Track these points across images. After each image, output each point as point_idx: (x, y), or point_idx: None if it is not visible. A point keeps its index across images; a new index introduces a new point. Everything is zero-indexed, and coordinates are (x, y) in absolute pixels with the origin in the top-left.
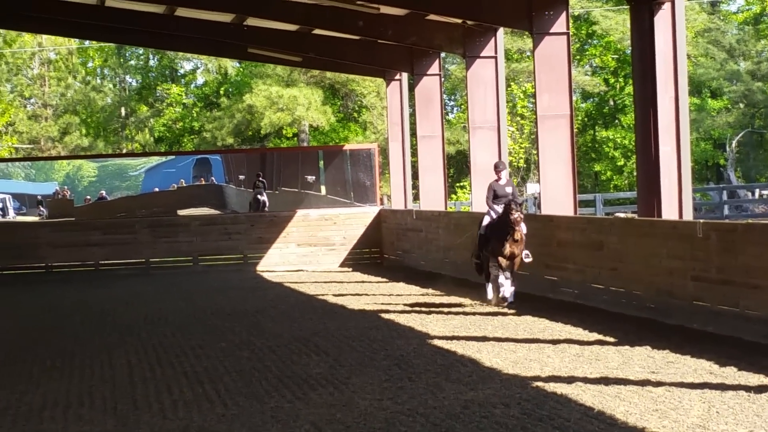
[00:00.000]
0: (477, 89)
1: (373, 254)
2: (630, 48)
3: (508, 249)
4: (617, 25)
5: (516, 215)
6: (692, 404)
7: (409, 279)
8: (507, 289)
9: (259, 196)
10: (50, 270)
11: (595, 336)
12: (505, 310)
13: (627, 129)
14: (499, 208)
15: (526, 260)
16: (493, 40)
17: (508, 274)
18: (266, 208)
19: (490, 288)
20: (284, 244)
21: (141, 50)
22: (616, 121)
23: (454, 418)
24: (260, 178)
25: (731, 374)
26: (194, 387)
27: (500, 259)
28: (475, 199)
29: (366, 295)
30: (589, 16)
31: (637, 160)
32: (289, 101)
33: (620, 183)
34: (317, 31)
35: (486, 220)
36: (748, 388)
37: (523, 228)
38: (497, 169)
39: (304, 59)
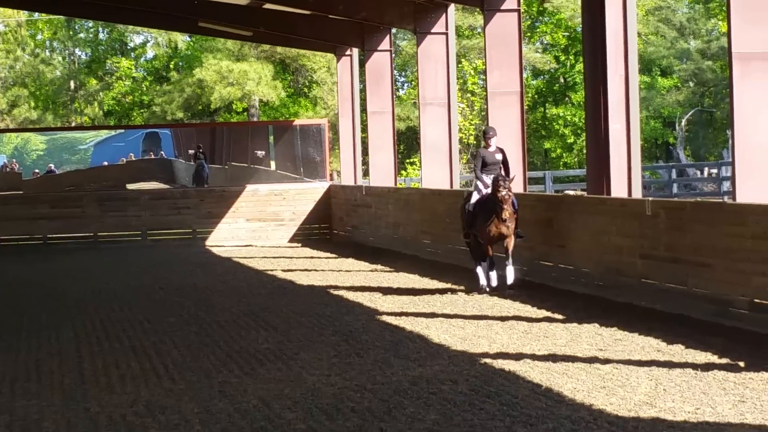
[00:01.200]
0: (427, 65)
1: (322, 230)
2: (581, 26)
3: (494, 229)
4: (568, 2)
5: (504, 192)
6: (639, 382)
7: (358, 255)
8: (509, 273)
9: (200, 170)
10: None
11: (543, 313)
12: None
13: (577, 107)
14: (489, 180)
15: (519, 238)
16: (444, 16)
17: (508, 262)
18: (207, 182)
19: (480, 272)
20: (233, 219)
21: (90, 23)
22: (567, 98)
23: (402, 394)
24: (200, 151)
25: (679, 352)
26: (142, 361)
27: (487, 245)
28: (425, 175)
29: (315, 270)
30: None
31: (586, 138)
32: (240, 76)
33: (570, 161)
34: (268, 6)
35: (474, 196)
36: (695, 366)
37: (514, 204)
38: (486, 135)
39: (255, 34)
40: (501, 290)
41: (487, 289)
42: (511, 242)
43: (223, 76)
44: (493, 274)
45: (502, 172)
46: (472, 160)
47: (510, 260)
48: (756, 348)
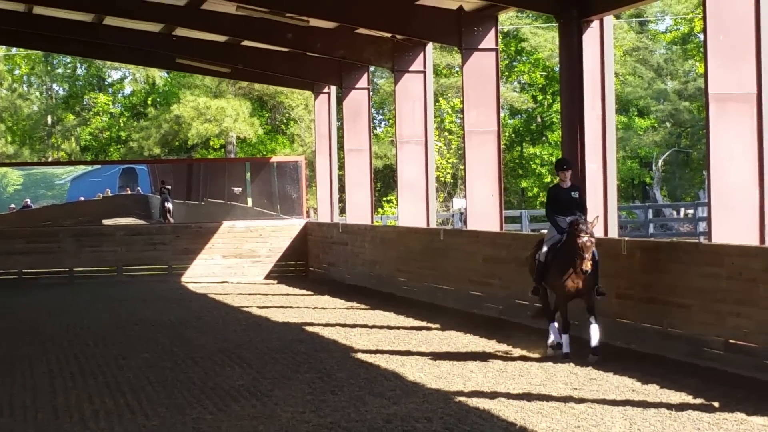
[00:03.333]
0: (405, 103)
1: (298, 267)
2: (558, 65)
3: (571, 284)
4: (546, 42)
5: (585, 238)
6: (614, 421)
7: (334, 292)
8: (593, 334)
9: (165, 203)
10: None
11: (518, 352)
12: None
13: (554, 146)
14: (564, 222)
15: (599, 296)
16: (422, 54)
17: (592, 319)
18: (171, 215)
19: (553, 329)
20: (209, 255)
21: (68, 58)
22: (544, 137)
23: (376, 431)
24: (165, 185)
25: (653, 392)
26: (116, 397)
27: (562, 302)
28: (402, 213)
29: (290, 307)
30: (518, 33)
31: None
32: (217, 112)
33: None
34: (246, 43)
35: (548, 242)
36: (669, 406)
37: (594, 254)
38: (561, 167)
39: (233, 70)
40: (567, 354)
41: (561, 351)
42: (591, 299)
43: (200, 112)
44: (566, 339)
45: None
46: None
47: (594, 317)
48: (730, 388)
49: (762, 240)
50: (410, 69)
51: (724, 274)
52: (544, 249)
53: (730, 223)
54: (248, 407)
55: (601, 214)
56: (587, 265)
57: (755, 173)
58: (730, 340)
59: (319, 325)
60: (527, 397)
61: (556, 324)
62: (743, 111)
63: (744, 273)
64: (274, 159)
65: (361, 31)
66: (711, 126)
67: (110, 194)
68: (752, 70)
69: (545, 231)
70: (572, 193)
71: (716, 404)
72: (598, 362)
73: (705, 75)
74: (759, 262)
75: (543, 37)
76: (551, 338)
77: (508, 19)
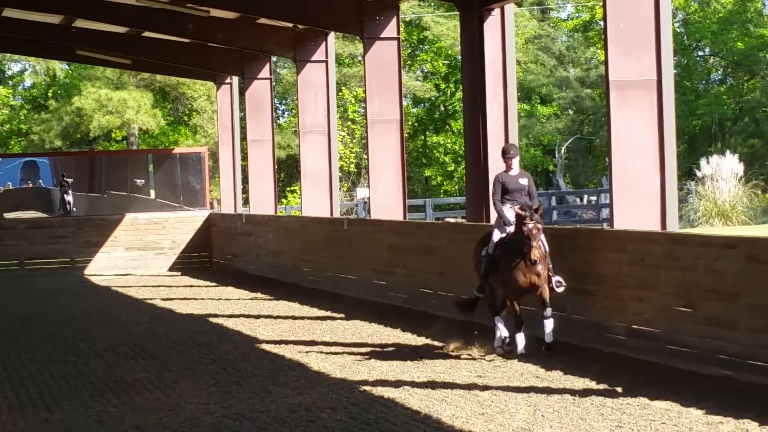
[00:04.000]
0: (308, 93)
1: (202, 258)
2: (460, 54)
3: (522, 277)
4: (448, 30)
5: (530, 225)
6: (518, 408)
7: (238, 283)
8: (547, 327)
9: (65, 196)
10: None
11: (423, 340)
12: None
13: (457, 134)
14: (511, 214)
15: (558, 289)
16: (324, 44)
17: (546, 312)
18: (71, 208)
19: (500, 325)
20: (112, 248)
21: None
22: (447, 126)
23: (280, 422)
24: (64, 179)
25: (557, 378)
26: (18, 391)
27: (513, 298)
28: (306, 203)
29: (194, 299)
30: (420, 22)
31: (466, 166)
32: (119, 104)
33: (450, 188)
34: (147, 34)
35: (496, 235)
36: (573, 392)
37: (543, 244)
38: (506, 155)
39: (134, 62)
40: (523, 353)
41: (511, 347)
42: (545, 291)
43: (102, 104)
44: (521, 338)
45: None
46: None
47: (548, 310)
48: (633, 373)
49: (663, 226)
50: (312, 59)
51: (626, 260)
52: (494, 240)
53: (632, 210)
54: (152, 399)
55: None
56: (535, 254)
57: (656, 159)
58: (633, 326)
59: (223, 316)
60: (432, 385)
61: (500, 320)
62: (643, 98)
63: (646, 259)
64: (177, 150)
65: (263, 21)
66: (612, 113)
67: (11, 187)
68: (652, 57)
69: (449, 219)
70: (520, 180)
71: (619, 389)
72: (549, 356)
73: (606, 62)
74: (660, 248)
75: (445, 26)
76: (499, 333)
77: (410, 8)
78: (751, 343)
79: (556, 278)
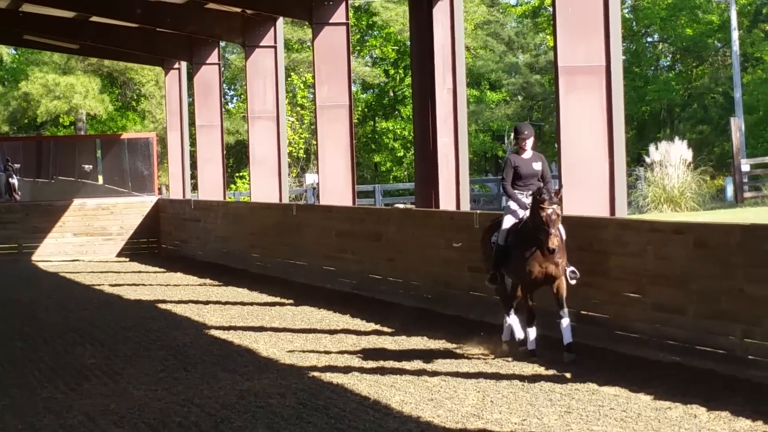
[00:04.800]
0: (256, 79)
1: (150, 244)
2: (409, 39)
3: (537, 267)
4: (398, 16)
5: (549, 210)
6: (467, 394)
7: (186, 269)
8: (565, 330)
9: (10, 180)
10: None
11: (372, 326)
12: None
13: (407, 120)
14: (526, 199)
15: (572, 281)
16: (272, 29)
17: (562, 313)
18: (17, 193)
19: (514, 322)
20: (60, 233)
21: None
22: (396, 112)
23: (229, 408)
24: (9, 163)
25: (506, 364)
26: None
27: (526, 291)
28: (255, 189)
29: (143, 285)
30: (369, 7)
31: (415, 152)
32: (66, 89)
33: (400, 174)
34: (95, 19)
35: (507, 221)
36: (522, 378)
37: (560, 231)
38: (520, 134)
39: (82, 47)
40: (533, 352)
41: (527, 347)
42: (562, 285)
43: (49, 89)
44: (532, 333)
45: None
46: (505, 170)
47: (565, 310)
48: (582, 359)
49: (612, 211)
50: (261, 44)
51: (576, 245)
52: (505, 227)
53: (581, 196)
54: (100, 386)
55: (453, 188)
56: (554, 242)
57: (605, 145)
58: (582, 312)
59: (171, 302)
60: (381, 371)
61: (514, 316)
62: (592, 83)
63: (595, 244)
64: (125, 136)
65: (212, 6)
66: (561, 99)
67: None
68: (601, 43)
69: (399, 205)
70: (533, 165)
71: (568, 375)
72: (573, 361)
73: (554, 48)
74: (609, 233)
75: (394, 12)
76: (516, 334)
77: None
78: (700, 328)
79: (570, 269)
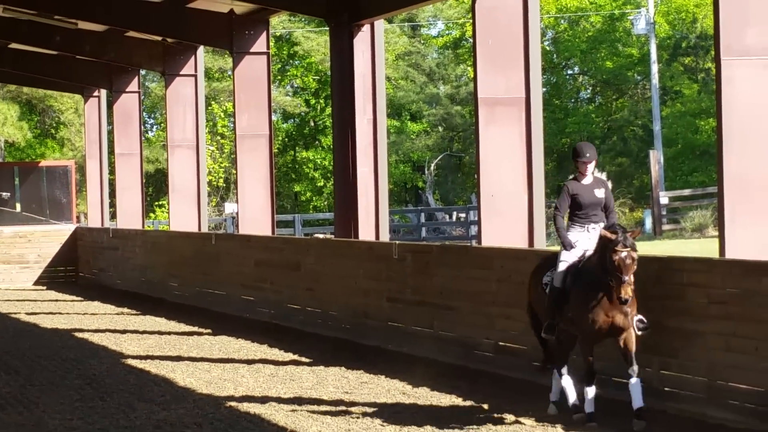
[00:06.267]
0: (176, 107)
1: (68, 272)
2: (330, 69)
3: (602, 317)
4: (319, 46)
5: (624, 253)
6: (384, 425)
7: (104, 298)
8: (635, 391)
9: None
10: None
11: (290, 356)
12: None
13: (327, 150)
14: (584, 235)
15: (640, 332)
16: (193, 58)
17: (631, 371)
18: None
19: (568, 384)
20: None
21: None
22: (317, 142)
23: None
24: None
25: (424, 394)
26: None
27: (589, 344)
28: (174, 217)
29: (60, 313)
30: (290, 37)
31: (335, 182)
32: None
33: (320, 204)
34: (13, 45)
35: (563, 262)
36: (440, 408)
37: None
38: (580, 157)
39: (0, 73)
40: (590, 416)
41: (584, 414)
42: (631, 337)
43: None
44: (591, 392)
45: (606, 219)
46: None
47: (635, 367)
48: (500, 390)
49: (531, 243)
50: (181, 72)
51: (494, 277)
52: (560, 269)
53: (500, 227)
54: (14, 415)
55: (373, 218)
56: (628, 292)
57: (524, 177)
58: (500, 342)
59: (88, 331)
60: (298, 401)
61: (568, 377)
62: (512, 115)
63: (513, 276)
64: (44, 163)
65: (131, 34)
66: (480, 130)
67: None
68: (520, 75)
69: (318, 235)
70: (596, 192)
71: (486, 406)
72: (645, 429)
73: (474, 79)
74: (528, 265)
75: (315, 41)
76: (570, 398)
77: (280, 23)
78: (618, 360)
79: (637, 317)
